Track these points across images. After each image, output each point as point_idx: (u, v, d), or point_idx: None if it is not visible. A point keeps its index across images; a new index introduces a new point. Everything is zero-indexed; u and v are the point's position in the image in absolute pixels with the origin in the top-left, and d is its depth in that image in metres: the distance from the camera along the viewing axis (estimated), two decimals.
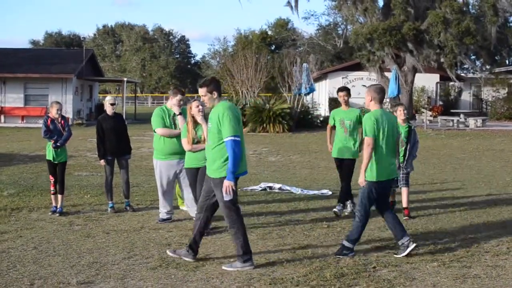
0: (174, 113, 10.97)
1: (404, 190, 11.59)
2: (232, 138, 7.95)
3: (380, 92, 9.04)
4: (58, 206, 11.80)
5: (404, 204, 11.58)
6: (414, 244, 8.75)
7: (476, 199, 13.65)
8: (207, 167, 8.44)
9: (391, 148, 9.01)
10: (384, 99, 37.93)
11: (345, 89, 12.11)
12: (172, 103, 10.99)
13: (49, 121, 12.01)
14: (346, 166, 11.89)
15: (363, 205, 8.89)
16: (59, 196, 11.91)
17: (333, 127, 12.18)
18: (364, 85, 50.88)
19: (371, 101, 8.99)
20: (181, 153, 10.74)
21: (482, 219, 11.27)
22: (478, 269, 8.17)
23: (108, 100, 12.53)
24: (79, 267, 8.19)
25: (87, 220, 11.20)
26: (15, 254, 8.85)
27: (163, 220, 11.12)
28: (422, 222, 11.13)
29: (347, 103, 12.02)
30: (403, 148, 11.38)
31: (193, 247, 8.51)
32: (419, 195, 14.19)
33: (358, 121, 11.77)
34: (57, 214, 11.61)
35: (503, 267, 8.28)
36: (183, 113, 10.84)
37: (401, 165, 11.38)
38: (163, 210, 11.21)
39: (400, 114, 11.46)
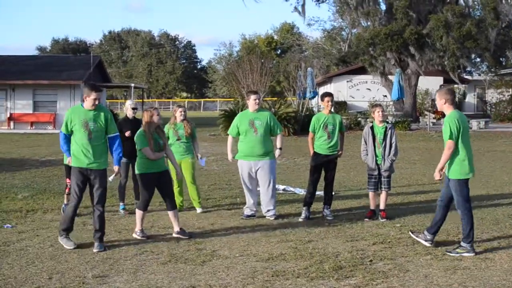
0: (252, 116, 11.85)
1: (383, 193, 11.80)
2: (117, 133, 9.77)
3: (451, 93, 9.20)
4: None
5: (382, 206, 11.77)
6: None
7: (473, 198, 14.04)
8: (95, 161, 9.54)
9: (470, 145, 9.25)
10: (388, 102, 38.05)
11: (331, 95, 12.25)
12: (251, 105, 11.88)
13: None
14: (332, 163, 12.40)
15: (464, 202, 9.49)
16: None
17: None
18: (368, 89, 51.42)
19: (445, 103, 9.14)
20: (258, 155, 11.69)
21: (477, 216, 11.62)
22: (468, 261, 8.63)
23: (130, 104, 12.82)
24: (93, 263, 8.69)
25: None
26: (33, 251, 9.33)
27: (248, 216, 11.92)
28: (419, 219, 11.62)
29: (331, 108, 12.27)
30: (379, 149, 11.67)
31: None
32: (419, 195, 14.67)
33: (339, 126, 12.07)
34: None
35: (492, 259, 8.74)
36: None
37: (380, 167, 11.72)
38: (247, 207, 12.06)
39: (378, 115, 11.73)
